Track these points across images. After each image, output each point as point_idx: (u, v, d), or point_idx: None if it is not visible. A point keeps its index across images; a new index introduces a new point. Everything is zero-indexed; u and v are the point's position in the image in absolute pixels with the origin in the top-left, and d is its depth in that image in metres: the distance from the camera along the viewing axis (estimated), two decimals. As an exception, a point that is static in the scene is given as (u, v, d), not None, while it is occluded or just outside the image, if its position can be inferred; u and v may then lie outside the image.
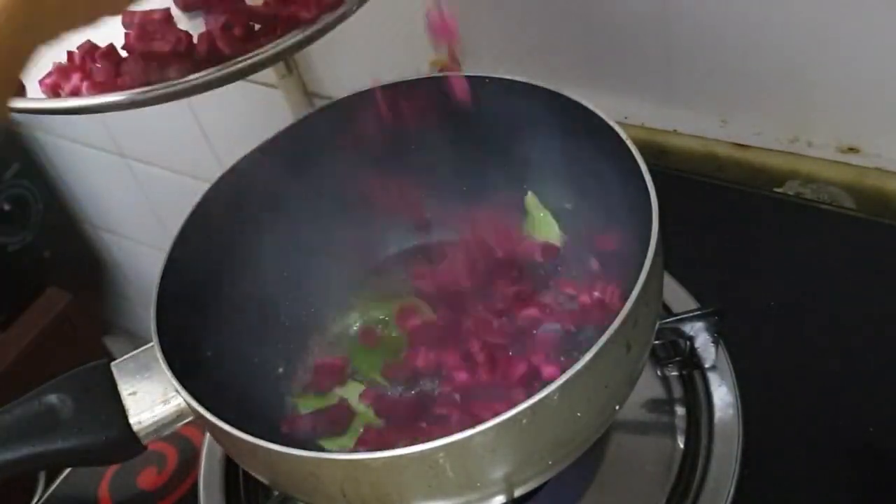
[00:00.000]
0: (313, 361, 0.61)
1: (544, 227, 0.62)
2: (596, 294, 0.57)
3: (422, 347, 0.58)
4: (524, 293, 0.59)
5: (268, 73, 0.95)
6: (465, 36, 0.82)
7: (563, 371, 0.40)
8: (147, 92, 0.45)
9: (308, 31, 0.48)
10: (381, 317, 0.63)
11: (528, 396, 0.39)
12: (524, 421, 0.40)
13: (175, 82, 0.45)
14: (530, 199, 0.62)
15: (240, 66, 0.46)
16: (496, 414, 0.39)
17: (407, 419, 0.55)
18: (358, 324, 0.63)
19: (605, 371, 0.43)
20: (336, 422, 0.56)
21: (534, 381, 0.54)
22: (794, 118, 0.69)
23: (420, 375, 0.57)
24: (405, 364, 0.58)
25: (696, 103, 0.73)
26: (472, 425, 0.39)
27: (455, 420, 0.53)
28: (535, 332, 0.56)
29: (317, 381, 0.60)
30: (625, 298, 0.42)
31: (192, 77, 0.46)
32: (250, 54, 0.47)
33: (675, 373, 0.60)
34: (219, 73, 0.45)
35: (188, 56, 0.48)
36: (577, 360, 0.40)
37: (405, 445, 0.39)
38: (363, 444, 0.55)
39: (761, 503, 0.54)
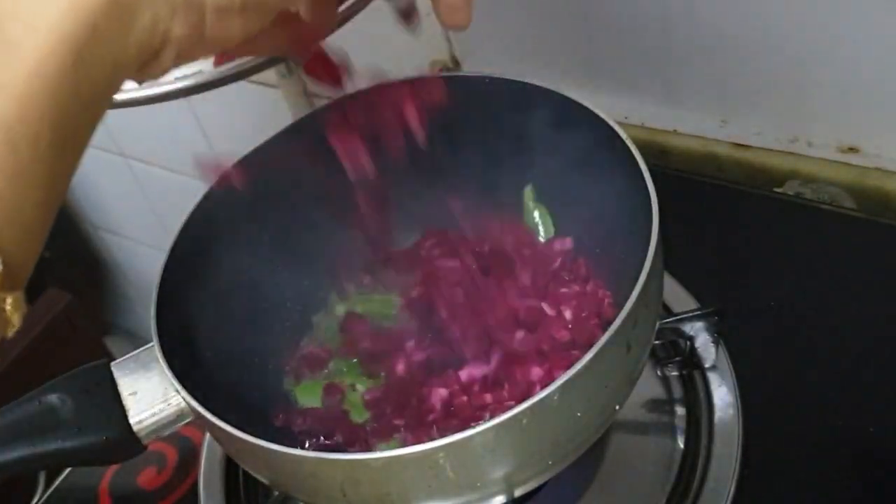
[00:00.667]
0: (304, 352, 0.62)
1: (542, 220, 0.62)
2: (587, 302, 0.57)
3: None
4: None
5: (268, 74, 0.95)
6: (465, 36, 0.82)
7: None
8: (147, 89, 0.44)
9: None
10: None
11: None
12: (524, 421, 0.40)
13: (176, 81, 0.44)
14: (528, 192, 0.62)
15: (245, 65, 0.45)
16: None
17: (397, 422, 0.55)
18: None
19: (605, 371, 0.43)
20: (330, 423, 0.56)
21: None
22: (794, 118, 0.69)
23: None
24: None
25: (696, 103, 0.73)
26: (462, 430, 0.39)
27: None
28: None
29: (300, 369, 0.60)
30: (618, 305, 0.42)
31: (192, 75, 0.45)
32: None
33: (675, 373, 0.60)
34: (221, 72, 0.45)
35: None
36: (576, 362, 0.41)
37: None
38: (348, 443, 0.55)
39: (761, 503, 0.54)
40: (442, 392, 0.55)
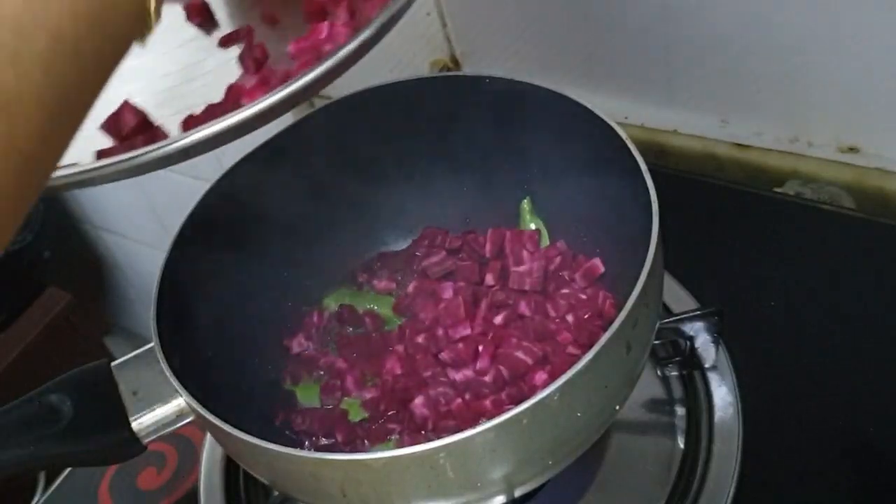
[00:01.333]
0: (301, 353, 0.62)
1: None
2: (588, 304, 0.57)
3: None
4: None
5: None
6: (465, 36, 0.82)
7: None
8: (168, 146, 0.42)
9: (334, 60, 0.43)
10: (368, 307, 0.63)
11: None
12: (524, 421, 0.40)
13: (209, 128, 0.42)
14: (525, 205, 0.62)
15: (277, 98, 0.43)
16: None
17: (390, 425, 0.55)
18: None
19: (605, 371, 0.43)
20: (329, 423, 0.56)
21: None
22: (794, 118, 0.69)
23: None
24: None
25: (696, 103, 0.73)
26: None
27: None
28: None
29: (297, 370, 0.60)
30: (619, 305, 0.42)
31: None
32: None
33: (675, 373, 0.60)
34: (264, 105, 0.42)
35: None
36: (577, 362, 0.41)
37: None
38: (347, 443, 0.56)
39: (761, 503, 0.54)
40: (428, 397, 0.55)
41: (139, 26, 0.32)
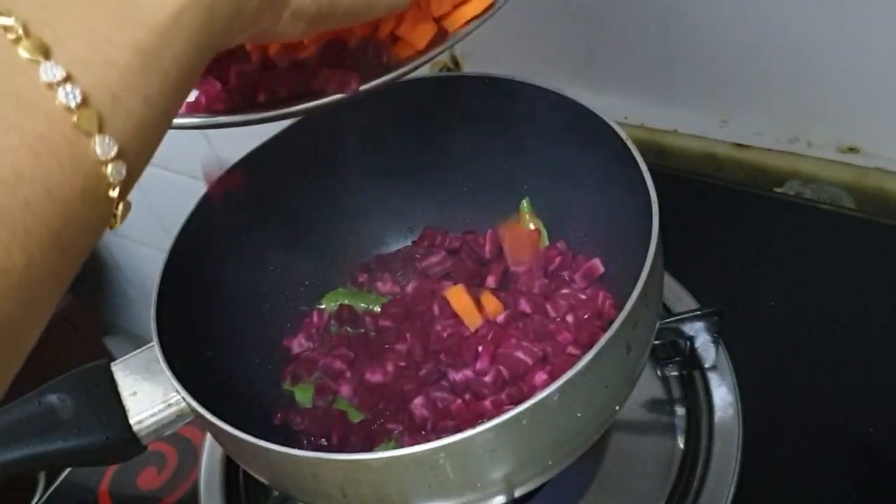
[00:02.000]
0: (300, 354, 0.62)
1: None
2: (588, 303, 0.57)
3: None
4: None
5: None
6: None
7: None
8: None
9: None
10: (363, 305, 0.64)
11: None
12: (524, 421, 0.40)
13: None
14: (525, 206, 0.62)
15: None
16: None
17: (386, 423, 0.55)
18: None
19: (605, 371, 0.43)
20: (328, 423, 0.56)
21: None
22: (794, 118, 0.69)
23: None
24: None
25: (696, 103, 0.73)
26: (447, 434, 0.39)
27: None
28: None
29: (297, 370, 0.60)
30: (619, 306, 0.42)
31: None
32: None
33: (675, 373, 0.60)
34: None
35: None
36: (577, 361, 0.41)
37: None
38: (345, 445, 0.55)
39: (761, 503, 0.54)
40: (427, 397, 0.55)
41: (100, 231, 0.31)
